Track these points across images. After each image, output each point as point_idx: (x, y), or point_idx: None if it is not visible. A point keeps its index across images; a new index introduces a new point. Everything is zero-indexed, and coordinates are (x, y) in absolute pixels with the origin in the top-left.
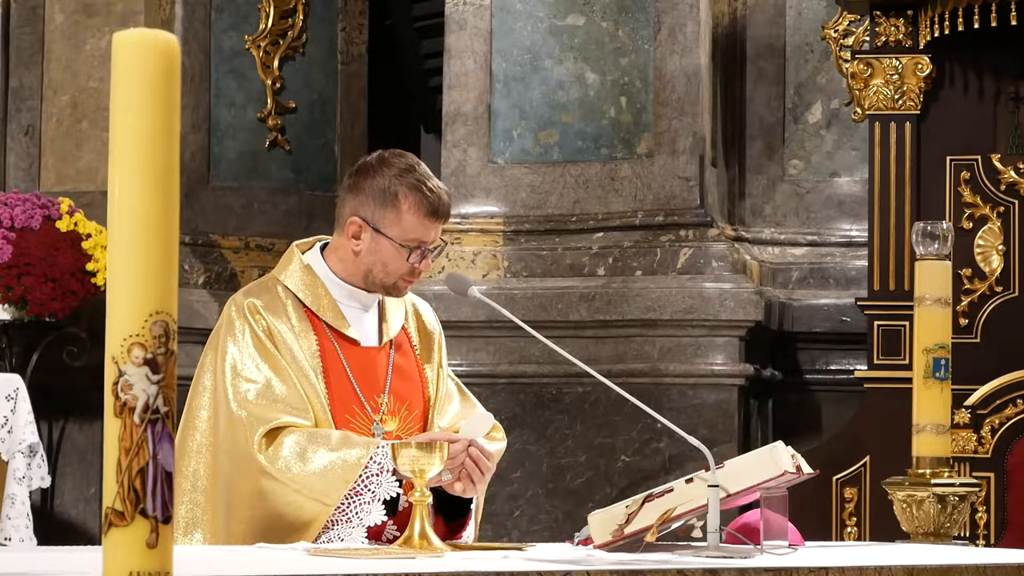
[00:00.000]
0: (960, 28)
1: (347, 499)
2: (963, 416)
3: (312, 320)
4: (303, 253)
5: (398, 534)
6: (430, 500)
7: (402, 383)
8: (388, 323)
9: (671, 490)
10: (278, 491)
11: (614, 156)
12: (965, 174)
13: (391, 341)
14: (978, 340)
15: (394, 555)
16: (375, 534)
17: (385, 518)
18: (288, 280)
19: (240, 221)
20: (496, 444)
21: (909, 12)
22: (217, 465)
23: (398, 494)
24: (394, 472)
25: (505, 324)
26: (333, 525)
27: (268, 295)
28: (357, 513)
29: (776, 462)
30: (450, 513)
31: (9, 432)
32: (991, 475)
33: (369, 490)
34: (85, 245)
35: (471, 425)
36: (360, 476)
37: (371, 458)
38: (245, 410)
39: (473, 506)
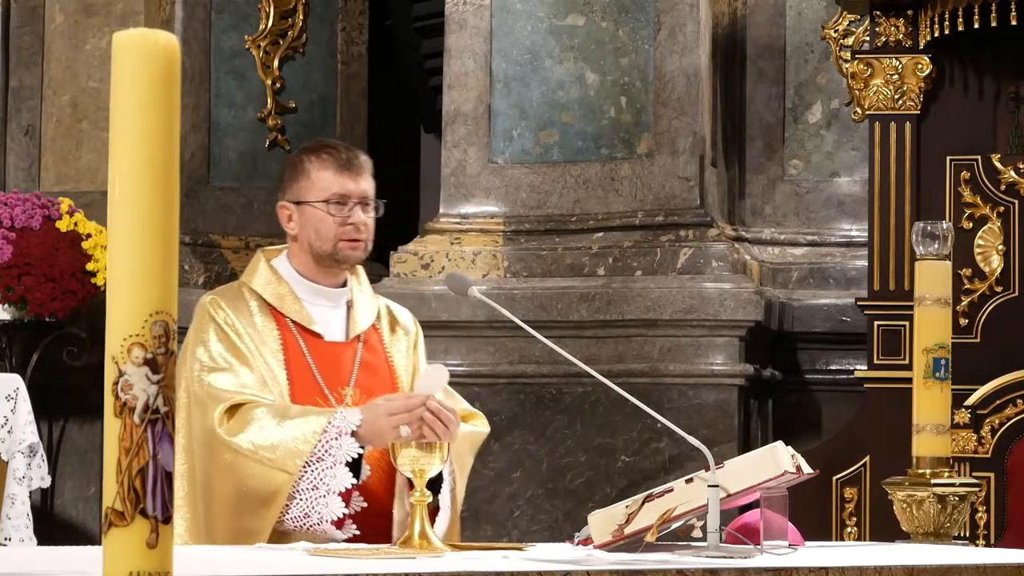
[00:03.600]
0: (960, 28)
1: (308, 466)
2: (963, 416)
3: (276, 317)
4: (269, 261)
5: (365, 505)
6: (431, 500)
7: (369, 377)
8: (356, 320)
9: (671, 490)
10: (240, 464)
11: (614, 156)
12: (965, 174)
13: (359, 336)
14: (978, 340)
15: (394, 555)
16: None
17: (354, 481)
18: (254, 283)
19: (240, 221)
20: (477, 430)
21: (909, 12)
22: (193, 453)
23: (359, 455)
24: (353, 434)
25: (505, 324)
26: (300, 493)
27: (232, 292)
28: (323, 479)
29: (776, 462)
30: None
31: (9, 432)
32: (991, 475)
33: (330, 454)
34: (85, 245)
35: (425, 379)
36: (320, 441)
37: (329, 422)
38: (207, 393)
39: (446, 501)
